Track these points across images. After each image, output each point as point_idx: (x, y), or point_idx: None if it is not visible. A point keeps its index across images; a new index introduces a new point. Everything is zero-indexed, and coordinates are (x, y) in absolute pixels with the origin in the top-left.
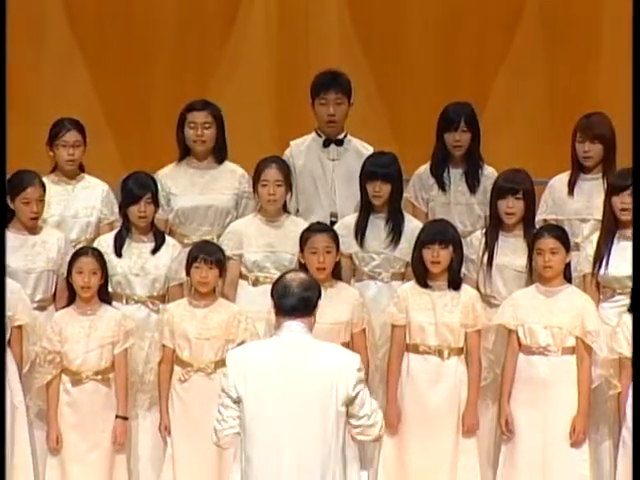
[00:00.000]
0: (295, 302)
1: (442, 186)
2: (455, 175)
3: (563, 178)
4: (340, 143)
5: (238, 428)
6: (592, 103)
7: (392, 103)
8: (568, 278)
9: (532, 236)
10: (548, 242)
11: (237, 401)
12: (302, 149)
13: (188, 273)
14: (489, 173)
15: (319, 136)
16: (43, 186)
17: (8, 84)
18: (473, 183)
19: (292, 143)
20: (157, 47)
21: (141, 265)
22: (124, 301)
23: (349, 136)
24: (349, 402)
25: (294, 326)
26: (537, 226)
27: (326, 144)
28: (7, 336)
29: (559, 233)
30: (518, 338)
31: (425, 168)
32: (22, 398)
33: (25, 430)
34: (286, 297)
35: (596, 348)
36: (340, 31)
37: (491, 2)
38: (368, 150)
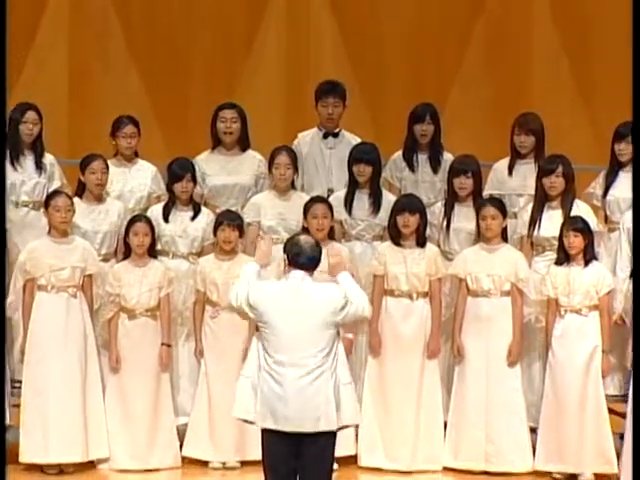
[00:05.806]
0: (307, 260)
1: (411, 168)
2: (421, 159)
3: (504, 162)
4: (336, 135)
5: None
6: (526, 104)
7: (373, 104)
8: (505, 238)
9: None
10: (489, 210)
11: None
12: (307, 140)
13: (215, 234)
14: (448, 158)
15: (320, 130)
16: (106, 163)
17: (79, 90)
18: (435, 165)
19: (299, 135)
20: (195, 61)
21: (183, 229)
22: (170, 256)
23: (343, 130)
24: (341, 309)
25: (298, 274)
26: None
27: (325, 136)
28: (79, 282)
29: (498, 203)
30: (467, 285)
31: (398, 154)
32: (92, 329)
33: (95, 352)
34: (300, 255)
35: (526, 292)
36: (333, 51)
37: (448, 27)
38: (357, 141)
